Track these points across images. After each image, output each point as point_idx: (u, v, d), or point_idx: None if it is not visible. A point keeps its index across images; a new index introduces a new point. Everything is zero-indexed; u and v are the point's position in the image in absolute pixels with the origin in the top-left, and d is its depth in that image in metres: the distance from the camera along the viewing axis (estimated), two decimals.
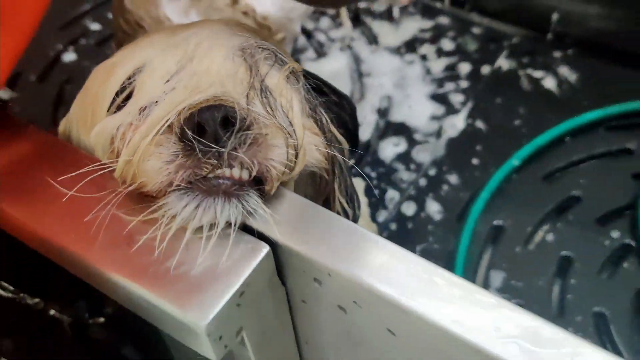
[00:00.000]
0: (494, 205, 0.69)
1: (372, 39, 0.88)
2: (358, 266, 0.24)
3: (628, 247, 0.64)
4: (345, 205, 0.35)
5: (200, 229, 0.23)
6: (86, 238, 0.23)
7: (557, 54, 0.82)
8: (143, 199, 0.25)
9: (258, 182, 0.26)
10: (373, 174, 0.73)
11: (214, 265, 0.22)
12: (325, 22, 0.91)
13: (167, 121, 0.26)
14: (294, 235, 0.24)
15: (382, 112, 0.79)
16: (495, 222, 0.67)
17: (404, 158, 0.74)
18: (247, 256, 0.23)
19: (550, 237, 0.66)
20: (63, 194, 0.24)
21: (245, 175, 0.25)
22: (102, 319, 0.43)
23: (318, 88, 0.40)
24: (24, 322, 0.37)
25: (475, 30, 0.87)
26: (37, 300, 0.38)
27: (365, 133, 0.77)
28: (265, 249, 0.23)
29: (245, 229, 0.24)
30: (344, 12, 0.91)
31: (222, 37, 0.30)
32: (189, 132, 0.24)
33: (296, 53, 0.87)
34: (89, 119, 0.29)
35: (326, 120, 0.34)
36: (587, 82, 0.79)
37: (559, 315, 0.60)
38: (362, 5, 0.92)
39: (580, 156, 0.72)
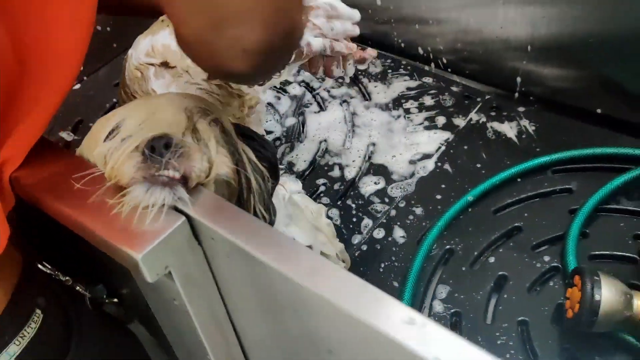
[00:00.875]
0: (450, 232, 0.82)
1: (367, 96, 1.05)
2: (241, 233, 0.39)
3: (555, 269, 0.76)
4: (263, 211, 0.52)
5: (147, 206, 0.40)
6: (87, 210, 0.40)
7: (520, 109, 0.96)
8: (121, 189, 0.42)
9: (186, 181, 0.43)
10: (353, 205, 0.88)
11: (152, 225, 0.38)
12: (329, 81, 1.09)
13: (136, 145, 0.44)
14: (203, 213, 0.40)
15: (367, 157, 0.95)
16: (448, 246, 0.81)
17: (380, 193, 0.89)
18: (171, 221, 0.39)
19: (492, 259, 0.78)
20: (79, 188, 0.42)
21: (176, 175, 0.41)
22: (115, 300, 0.59)
23: (250, 137, 0.58)
24: (56, 290, 0.54)
25: (454, 88, 1.03)
26: (67, 278, 0.55)
27: (351, 172, 0.93)
28: (182, 218, 0.39)
29: (176, 209, 0.41)
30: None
31: (174, 101, 0.49)
32: (146, 150, 0.42)
33: (302, 107, 1.05)
34: (93, 146, 0.47)
35: (245, 153, 0.51)
36: (543, 132, 0.92)
37: (491, 322, 0.73)
38: (360, 67, 1.10)
39: (528, 194, 0.85)
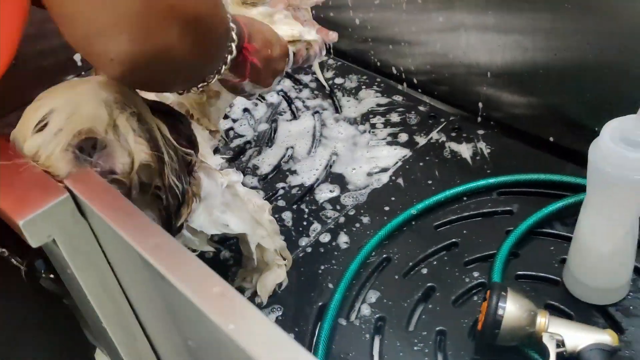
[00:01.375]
0: (390, 242, 0.86)
1: (338, 109, 1.10)
2: (118, 220, 0.44)
3: (482, 285, 0.79)
4: (175, 180, 0.58)
5: None
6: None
7: (480, 132, 1.00)
8: None
9: (114, 173, 0.50)
10: (306, 210, 0.93)
11: (39, 197, 0.45)
12: (305, 92, 1.15)
13: (67, 142, 0.51)
14: (89, 194, 0.46)
15: (329, 166, 1.00)
16: (386, 255, 0.85)
17: (334, 201, 0.94)
18: (55, 195, 0.45)
19: (424, 270, 0.82)
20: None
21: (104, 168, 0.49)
22: (52, 275, 0.64)
23: (167, 112, 0.64)
24: None
25: (422, 108, 1.07)
26: (3, 250, 0.60)
27: (310, 179, 0.98)
28: (66, 194, 0.45)
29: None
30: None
31: (97, 95, 0.55)
32: (77, 151, 0.50)
33: (276, 114, 1.11)
34: (24, 135, 0.54)
35: (159, 130, 0.57)
36: (496, 155, 0.96)
37: (412, 329, 0.76)
38: (337, 81, 1.15)
39: (470, 212, 0.88)
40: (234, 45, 0.61)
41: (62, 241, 0.44)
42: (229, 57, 0.61)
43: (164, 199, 0.59)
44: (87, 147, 0.51)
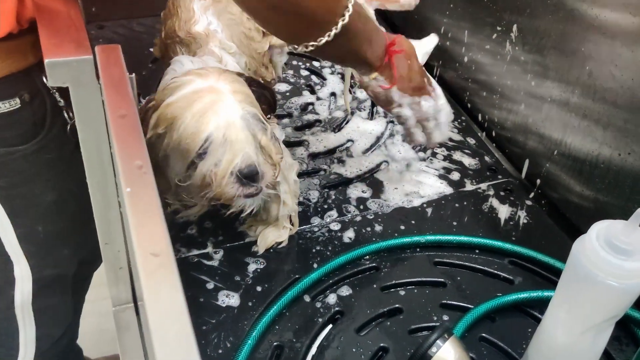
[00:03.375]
0: (388, 256, 0.89)
1: None
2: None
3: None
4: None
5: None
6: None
7: (528, 202, 1.00)
8: None
9: None
10: (333, 197, 0.99)
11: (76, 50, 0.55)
12: None
13: (230, 171, 0.67)
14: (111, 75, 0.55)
15: (375, 170, 1.05)
16: (376, 265, 0.88)
17: (361, 200, 0.99)
18: (80, 53, 0.55)
19: (402, 292, 0.85)
20: None
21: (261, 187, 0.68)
22: None
23: (259, 84, 0.74)
24: (46, 103, 0.70)
25: (487, 158, 1.08)
26: (61, 100, 0.72)
27: (351, 174, 1.03)
28: (89, 55, 0.55)
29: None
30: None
31: (235, 114, 0.68)
32: (243, 179, 0.66)
33: (357, 109, 1.17)
34: (185, 154, 0.68)
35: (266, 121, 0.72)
36: (530, 228, 0.95)
37: (362, 335, 0.80)
38: None
39: (474, 265, 0.89)
40: (347, 14, 0.65)
41: (74, 93, 0.53)
42: (340, 23, 0.65)
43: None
44: (250, 174, 0.67)
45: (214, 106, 0.67)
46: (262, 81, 0.87)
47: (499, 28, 1.05)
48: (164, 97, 0.69)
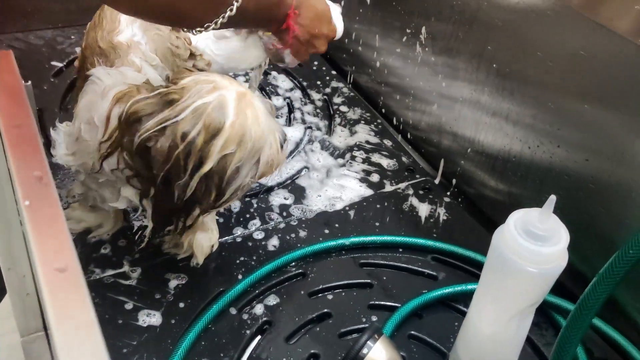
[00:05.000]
0: (314, 262, 0.88)
1: (329, 132, 1.14)
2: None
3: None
4: None
5: None
6: None
7: (446, 199, 1.02)
8: None
9: None
10: (255, 205, 0.97)
11: None
12: (309, 107, 1.19)
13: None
14: None
15: (295, 176, 1.04)
16: (302, 271, 0.87)
17: (283, 207, 0.97)
18: None
19: (330, 296, 0.84)
20: None
21: None
22: None
23: None
24: None
25: (405, 159, 1.10)
26: None
27: (272, 181, 1.02)
28: None
29: None
30: None
31: (264, 122, 0.70)
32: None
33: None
34: (255, 160, 0.71)
35: None
36: (450, 224, 0.97)
37: (292, 344, 0.78)
38: (343, 108, 1.19)
39: (398, 264, 0.90)
40: (235, 6, 0.67)
41: None
42: (227, 14, 0.67)
43: None
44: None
45: (242, 107, 0.68)
46: None
47: (408, 31, 1.08)
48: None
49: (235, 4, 0.66)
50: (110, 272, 0.83)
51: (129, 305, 0.79)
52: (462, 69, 0.98)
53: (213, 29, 0.68)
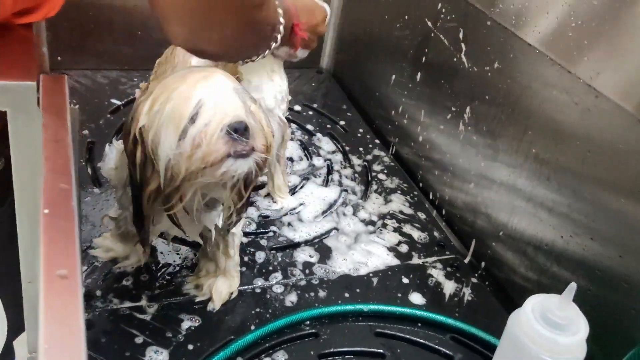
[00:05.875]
0: (329, 323, 0.87)
1: (364, 198, 1.15)
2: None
3: None
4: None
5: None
6: None
7: (474, 280, 1.00)
8: None
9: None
10: (279, 259, 0.97)
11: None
12: (348, 171, 1.21)
13: (220, 128, 0.64)
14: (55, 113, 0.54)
15: (324, 236, 1.04)
16: (316, 331, 0.86)
17: (307, 265, 0.97)
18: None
19: None
20: None
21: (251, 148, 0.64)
22: None
23: None
24: None
25: (437, 234, 1.09)
26: None
27: (300, 238, 1.02)
28: (32, 82, 0.53)
29: None
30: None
31: (229, 87, 0.67)
32: (231, 132, 0.63)
33: (312, 174, 1.17)
34: (178, 119, 0.65)
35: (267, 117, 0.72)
36: (474, 306, 0.95)
37: None
38: (381, 176, 1.20)
39: (414, 338, 0.87)
40: (279, 37, 0.77)
41: (12, 119, 0.52)
42: (273, 45, 0.78)
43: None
44: (240, 129, 0.64)
45: (207, 78, 0.67)
46: None
47: (453, 109, 1.09)
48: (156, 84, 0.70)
49: (279, 35, 0.76)
50: (128, 304, 0.84)
51: (139, 339, 0.79)
52: (502, 150, 0.98)
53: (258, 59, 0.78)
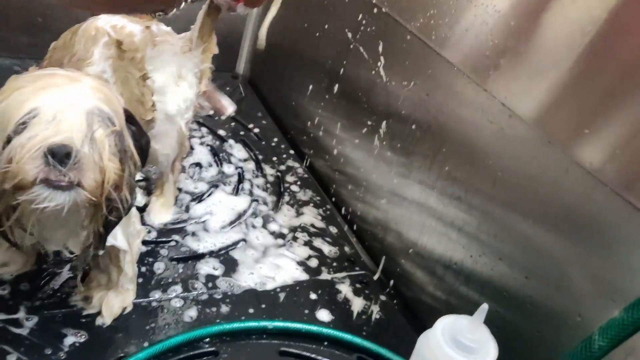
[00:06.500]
0: (232, 341, 0.81)
1: (275, 209, 1.11)
2: None
3: None
4: (128, 195, 0.61)
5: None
6: None
7: (382, 297, 0.98)
8: None
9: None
10: (180, 270, 0.91)
11: None
12: (259, 181, 1.16)
13: (38, 147, 0.54)
14: None
15: (230, 248, 0.98)
16: (216, 349, 0.80)
17: (210, 278, 0.91)
18: None
19: None
20: None
21: (73, 181, 0.54)
22: None
23: (132, 122, 0.68)
24: None
25: (347, 249, 1.07)
26: None
27: (204, 249, 0.96)
28: None
29: None
30: None
31: (82, 102, 0.58)
32: (49, 156, 0.53)
33: (221, 182, 1.12)
34: (6, 122, 0.56)
35: (129, 147, 0.62)
36: (381, 324, 0.93)
37: None
38: (294, 188, 1.17)
39: (314, 356, 0.84)
40: None
41: None
42: None
43: (108, 211, 0.61)
44: (60, 154, 0.54)
45: (60, 86, 0.58)
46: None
47: (369, 123, 1.08)
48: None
49: None
50: (2, 316, 0.74)
51: (12, 357, 0.70)
52: (415, 167, 0.97)
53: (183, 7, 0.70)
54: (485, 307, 0.56)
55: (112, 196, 0.58)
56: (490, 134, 0.81)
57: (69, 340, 0.74)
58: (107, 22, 0.82)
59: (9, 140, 0.56)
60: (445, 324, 0.59)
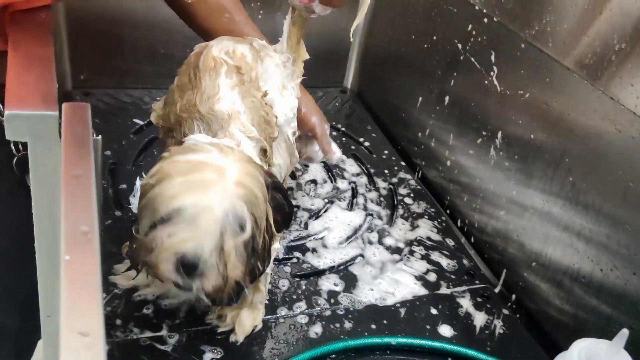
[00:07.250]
0: (357, 356, 0.84)
1: (390, 223, 1.12)
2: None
3: None
4: (260, 266, 0.71)
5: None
6: None
7: (505, 311, 0.96)
8: None
9: None
10: (303, 287, 0.94)
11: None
12: (373, 195, 1.17)
13: (173, 253, 0.64)
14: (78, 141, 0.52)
15: (349, 263, 1.01)
16: None
17: (332, 294, 0.94)
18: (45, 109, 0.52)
19: None
20: None
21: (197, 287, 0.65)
22: None
23: (276, 188, 0.74)
24: None
25: (466, 262, 1.05)
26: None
27: (324, 265, 0.99)
28: (54, 112, 0.51)
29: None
30: None
31: (223, 204, 0.64)
32: (179, 266, 0.63)
33: (336, 197, 1.14)
34: (151, 214, 0.65)
35: (258, 245, 0.69)
36: (506, 339, 0.90)
37: None
38: (407, 200, 1.17)
39: None
40: None
41: (32, 148, 0.49)
42: None
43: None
44: (188, 267, 0.63)
45: (207, 184, 0.64)
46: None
47: (484, 133, 1.06)
48: (176, 152, 0.68)
49: None
50: (148, 334, 0.81)
51: None
52: (536, 177, 0.94)
53: None
54: (625, 332, 0.54)
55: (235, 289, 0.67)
56: (619, 143, 0.77)
57: (208, 356, 0.80)
58: (220, 50, 0.86)
59: (154, 226, 0.65)
60: (582, 347, 0.57)
